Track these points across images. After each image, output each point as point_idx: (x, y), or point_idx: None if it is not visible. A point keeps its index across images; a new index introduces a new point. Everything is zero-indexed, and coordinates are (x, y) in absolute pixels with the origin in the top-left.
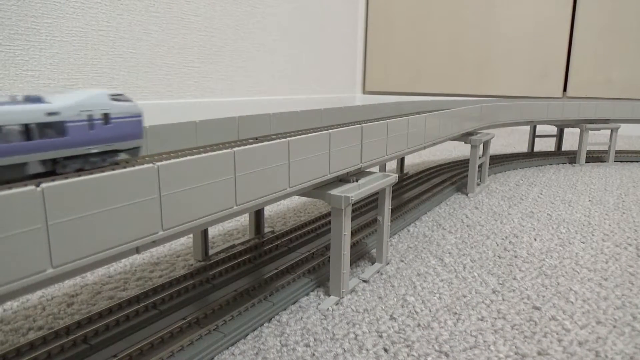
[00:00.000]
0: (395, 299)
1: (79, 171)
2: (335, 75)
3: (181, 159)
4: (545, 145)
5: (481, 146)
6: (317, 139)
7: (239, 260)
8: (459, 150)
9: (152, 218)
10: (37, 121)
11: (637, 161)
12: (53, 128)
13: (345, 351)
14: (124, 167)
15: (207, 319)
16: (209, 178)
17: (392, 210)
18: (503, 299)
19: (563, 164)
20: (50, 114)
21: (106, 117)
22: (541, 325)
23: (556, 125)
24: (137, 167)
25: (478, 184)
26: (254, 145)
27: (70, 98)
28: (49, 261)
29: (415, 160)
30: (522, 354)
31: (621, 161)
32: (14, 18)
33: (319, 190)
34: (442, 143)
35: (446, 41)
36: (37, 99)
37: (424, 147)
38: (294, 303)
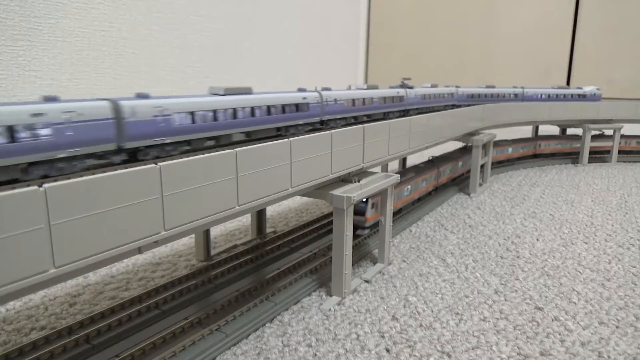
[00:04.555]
0: (397, 299)
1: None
2: (337, 74)
3: (183, 159)
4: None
5: (483, 146)
6: (319, 139)
7: (241, 260)
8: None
9: (154, 218)
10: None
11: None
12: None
13: (347, 351)
14: (126, 168)
15: (209, 319)
16: (211, 178)
17: (394, 211)
18: (505, 300)
19: (566, 164)
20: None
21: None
22: (544, 325)
23: (559, 126)
24: (139, 167)
25: (480, 184)
26: (256, 145)
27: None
28: (51, 261)
29: (417, 161)
30: (525, 354)
31: (624, 161)
32: (16, 18)
33: (320, 190)
34: (444, 143)
35: (448, 40)
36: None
37: (426, 147)
38: (295, 303)
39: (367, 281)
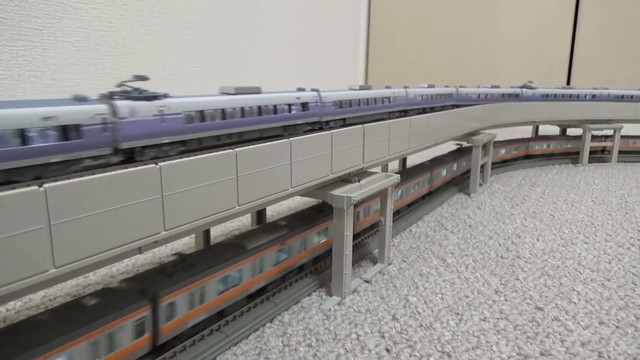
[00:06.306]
0: (397, 299)
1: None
2: (337, 75)
3: (183, 159)
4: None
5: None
6: (319, 139)
7: None
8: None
9: (154, 218)
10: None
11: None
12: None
13: (347, 351)
14: (126, 168)
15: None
16: (211, 178)
17: (394, 211)
18: (505, 300)
19: (566, 164)
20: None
21: None
22: (544, 325)
23: (559, 126)
24: (139, 168)
25: (480, 184)
26: (256, 145)
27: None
28: (51, 261)
29: (417, 161)
30: (525, 354)
31: (624, 161)
32: (16, 19)
33: (320, 190)
34: (444, 143)
35: (449, 40)
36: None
37: (427, 148)
38: (296, 303)
39: (367, 281)
